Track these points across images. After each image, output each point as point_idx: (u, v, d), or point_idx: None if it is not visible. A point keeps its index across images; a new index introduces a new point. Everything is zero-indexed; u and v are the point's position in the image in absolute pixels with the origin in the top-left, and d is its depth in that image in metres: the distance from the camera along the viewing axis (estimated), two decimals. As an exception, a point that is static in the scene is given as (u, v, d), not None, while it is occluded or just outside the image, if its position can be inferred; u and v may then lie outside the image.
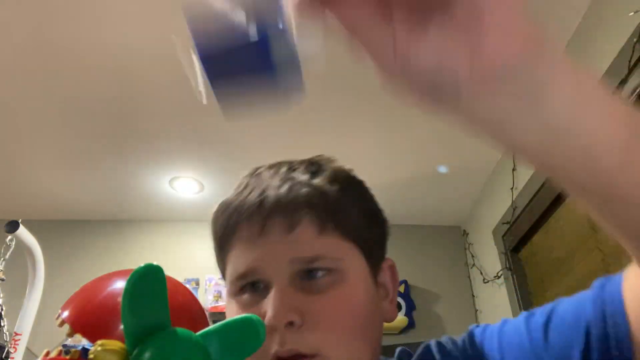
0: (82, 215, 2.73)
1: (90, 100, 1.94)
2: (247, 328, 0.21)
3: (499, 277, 2.33)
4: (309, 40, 0.28)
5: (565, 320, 0.44)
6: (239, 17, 0.27)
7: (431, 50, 0.27)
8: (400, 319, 2.53)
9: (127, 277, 0.19)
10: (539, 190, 1.92)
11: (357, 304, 0.50)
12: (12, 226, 1.65)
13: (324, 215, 0.51)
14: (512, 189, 2.12)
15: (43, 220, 2.55)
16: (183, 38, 0.29)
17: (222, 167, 2.35)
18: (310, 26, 0.27)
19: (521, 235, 2.13)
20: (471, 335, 0.53)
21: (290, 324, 0.46)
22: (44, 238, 1.85)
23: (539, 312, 0.47)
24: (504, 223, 2.25)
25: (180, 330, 0.20)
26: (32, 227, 1.78)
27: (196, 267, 2.54)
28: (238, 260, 0.51)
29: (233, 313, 0.52)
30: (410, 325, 2.54)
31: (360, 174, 0.59)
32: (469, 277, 2.71)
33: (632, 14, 1.32)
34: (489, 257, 2.46)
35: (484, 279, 2.50)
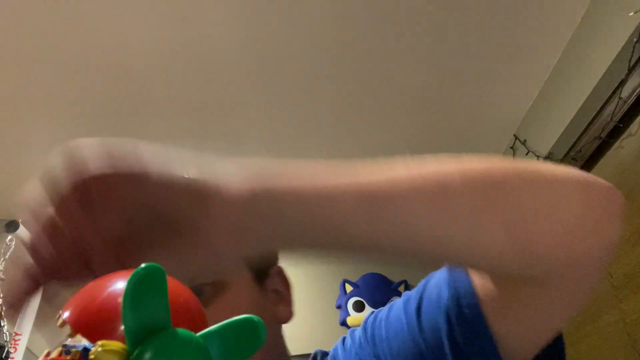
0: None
1: (91, 99, 1.94)
2: (248, 328, 0.21)
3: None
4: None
5: (431, 306, 0.46)
6: None
7: None
8: (400, 319, 2.53)
9: (128, 278, 0.19)
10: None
11: (240, 310, 0.52)
12: (12, 226, 1.65)
13: None
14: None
15: (43, 221, 2.55)
16: None
17: (222, 167, 2.35)
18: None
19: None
20: (364, 326, 0.54)
21: None
22: (44, 238, 1.84)
23: (414, 296, 0.49)
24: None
25: (180, 330, 0.20)
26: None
27: (196, 267, 2.54)
28: None
29: None
30: (410, 325, 2.54)
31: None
32: (469, 277, 2.71)
33: (632, 14, 1.32)
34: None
35: (484, 279, 2.50)
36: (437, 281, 0.47)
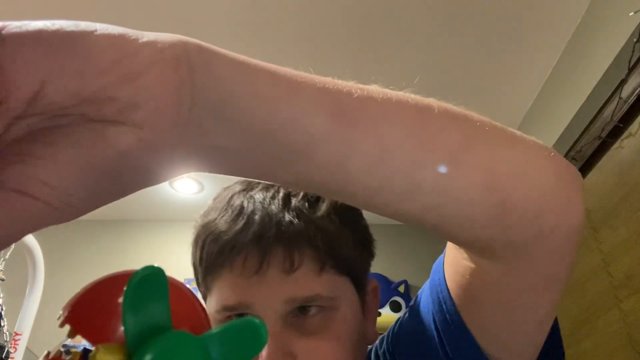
0: (82, 215, 2.73)
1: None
2: (250, 331, 0.21)
3: (499, 277, 2.32)
4: None
5: (427, 312, 0.46)
6: None
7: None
8: (400, 318, 2.53)
9: (129, 279, 0.19)
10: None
11: (349, 338, 0.49)
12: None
13: (324, 253, 0.49)
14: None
15: (43, 220, 2.55)
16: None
17: (222, 167, 2.35)
18: None
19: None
20: (389, 333, 0.53)
21: None
22: (44, 238, 1.85)
23: (427, 301, 0.47)
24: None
25: (181, 332, 0.20)
26: (32, 227, 1.78)
27: (196, 267, 2.54)
28: (228, 291, 0.48)
29: None
30: (410, 325, 2.54)
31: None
32: (469, 277, 2.71)
33: (632, 14, 1.32)
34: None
35: (484, 279, 2.50)
36: (428, 287, 0.47)
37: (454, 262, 0.42)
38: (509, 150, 0.34)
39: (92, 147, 0.22)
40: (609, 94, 1.55)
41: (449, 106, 0.34)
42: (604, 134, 1.59)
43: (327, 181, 0.29)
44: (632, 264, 1.43)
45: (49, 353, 0.23)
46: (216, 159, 0.27)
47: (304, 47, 1.80)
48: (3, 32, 0.20)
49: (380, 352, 0.53)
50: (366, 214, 0.53)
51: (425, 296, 0.47)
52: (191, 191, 2.54)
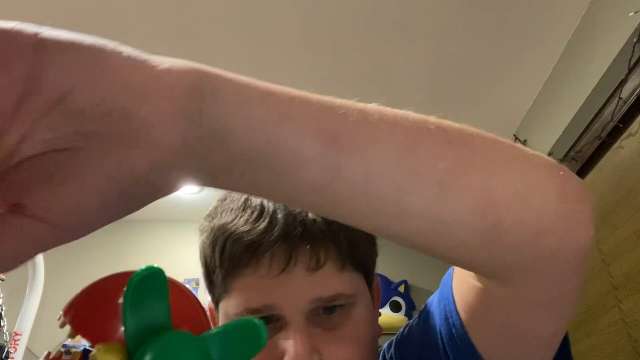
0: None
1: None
2: (249, 331, 0.21)
3: (498, 277, 2.32)
4: None
5: (434, 323, 0.46)
6: None
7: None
8: (400, 318, 2.54)
9: (129, 279, 0.19)
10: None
11: (366, 333, 0.51)
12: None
13: (346, 251, 0.50)
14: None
15: (43, 220, 2.55)
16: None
17: (222, 167, 2.35)
18: None
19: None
20: (397, 338, 0.53)
21: None
22: (44, 238, 1.85)
23: (435, 311, 0.47)
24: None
25: (181, 332, 0.20)
26: (32, 227, 1.78)
27: (196, 267, 2.53)
28: (251, 293, 0.49)
29: None
30: (410, 325, 2.55)
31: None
32: (469, 277, 2.71)
33: (632, 14, 1.32)
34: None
35: (484, 279, 2.50)
36: (437, 297, 0.47)
37: (461, 278, 0.42)
38: (505, 174, 0.34)
39: (111, 171, 0.24)
40: (609, 94, 1.55)
41: (448, 126, 0.34)
42: (604, 134, 1.60)
43: (315, 202, 0.30)
44: (632, 264, 1.43)
45: (49, 353, 0.23)
46: (217, 177, 0.28)
47: (308, 49, 1.80)
48: (39, 36, 0.22)
49: (387, 357, 0.53)
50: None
51: (434, 307, 0.48)
52: (191, 191, 2.54)
